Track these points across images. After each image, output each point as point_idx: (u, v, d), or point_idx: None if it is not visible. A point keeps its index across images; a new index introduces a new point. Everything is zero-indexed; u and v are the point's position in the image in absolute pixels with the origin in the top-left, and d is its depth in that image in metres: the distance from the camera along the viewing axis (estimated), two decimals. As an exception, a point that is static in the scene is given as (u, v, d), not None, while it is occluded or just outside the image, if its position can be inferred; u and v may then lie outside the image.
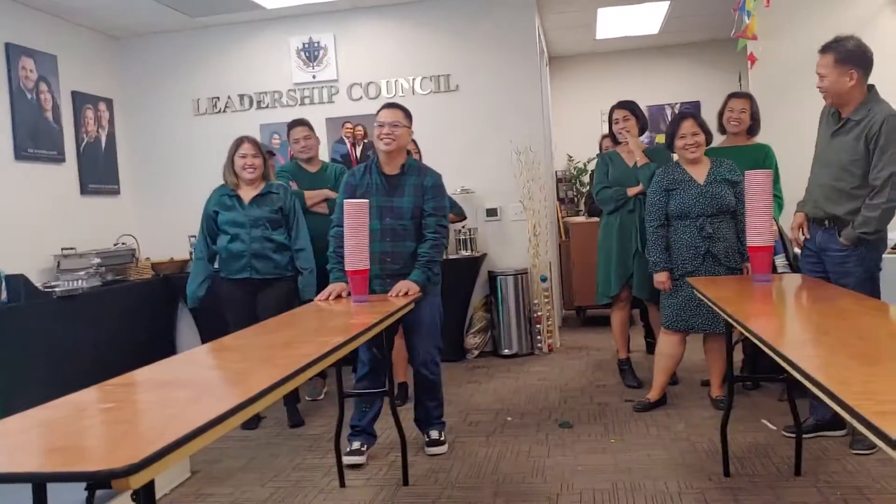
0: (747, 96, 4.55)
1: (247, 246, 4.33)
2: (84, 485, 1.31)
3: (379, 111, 3.74)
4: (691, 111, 4.40)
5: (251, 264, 4.34)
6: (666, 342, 4.25)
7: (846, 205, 3.37)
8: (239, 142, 4.40)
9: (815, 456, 3.40)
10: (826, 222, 3.45)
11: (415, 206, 3.71)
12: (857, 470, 3.21)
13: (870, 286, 3.35)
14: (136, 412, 1.67)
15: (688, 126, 4.11)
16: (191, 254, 6.16)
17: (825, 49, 3.39)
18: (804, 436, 3.50)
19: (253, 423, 4.47)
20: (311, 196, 4.93)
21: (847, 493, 3.00)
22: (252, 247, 4.32)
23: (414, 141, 4.96)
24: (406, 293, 3.49)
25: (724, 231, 4.04)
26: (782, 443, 3.57)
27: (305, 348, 2.25)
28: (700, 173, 4.11)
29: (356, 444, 3.75)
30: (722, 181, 4.06)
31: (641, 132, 4.79)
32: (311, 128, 5.09)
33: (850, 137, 3.36)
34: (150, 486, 1.40)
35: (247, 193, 4.37)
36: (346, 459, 3.64)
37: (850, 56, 3.33)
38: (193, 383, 1.91)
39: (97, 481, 1.22)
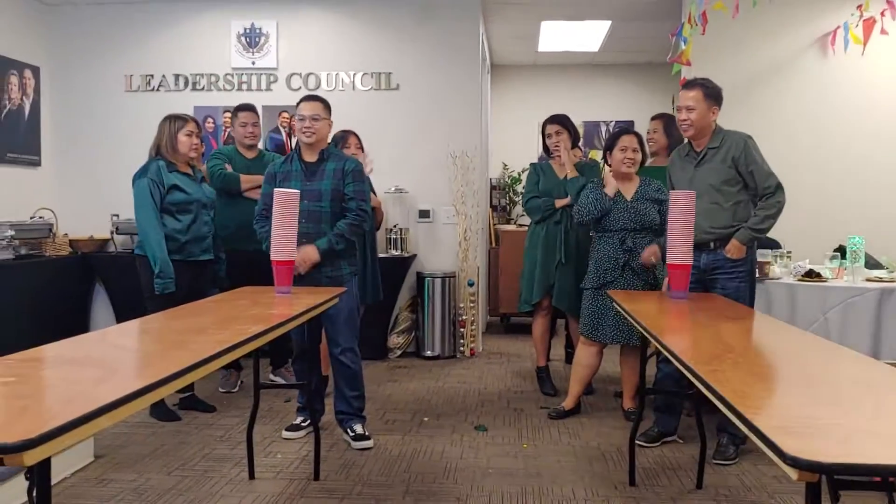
0: (661, 117, 4.81)
1: (210, 227, 4.39)
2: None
3: (299, 103, 3.87)
4: (633, 129, 4.54)
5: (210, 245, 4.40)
6: (583, 353, 4.34)
7: (726, 220, 3.65)
8: (184, 120, 4.30)
9: (717, 470, 3.52)
10: (711, 244, 3.69)
11: (334, 189, 3.80)
12: (755, 486, 3.34)
13: (752, 295, 3.78)
14: (39, 388, 1.61)
15: (629, 140, 4.24)
16: (112, 232, 6.01)
17: (693, 84, 3.70)
18: (650, 444, 3.85)
19: (172, 416, 4.33)
20: (248, 180, 4.87)
21: (743, 506, 3.12)
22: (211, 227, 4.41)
23: (356, 136, 4.94)
24: (304, 261, 3.64)
25: (644, 246, 4.14)
26: (687, 456, 3.69)
27: (221, 335, 2.21)
28: (629, 190, 4.22)
29: (298, 419, 4.01)
30: (648, 200, 4.19)
31: (573, 145, 4.88)
32: (257, 115, 5.05)
33: (715, 162, 3.67)
34: (45, 464, 1.36)
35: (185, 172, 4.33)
36: (284, 433, 3.97)
37: (714, 93, 3.67)
38: (102, 362, 1.86)
39: (-11, 455, 1.17)
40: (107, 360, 1.90)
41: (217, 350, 1.96)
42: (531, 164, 5.12)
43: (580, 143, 5.59)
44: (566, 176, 4.73)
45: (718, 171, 3.65)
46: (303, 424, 3.98)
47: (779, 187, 3.59)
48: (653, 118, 4.86)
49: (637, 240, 4.15)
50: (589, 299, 4.25)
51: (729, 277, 3.66)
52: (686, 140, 3.84)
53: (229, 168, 4.86)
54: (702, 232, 3.60)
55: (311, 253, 3.68)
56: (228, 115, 6.30)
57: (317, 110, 3.81)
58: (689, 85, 3.72)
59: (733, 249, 3.62)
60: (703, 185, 3.65)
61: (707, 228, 3.64)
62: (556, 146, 4.81)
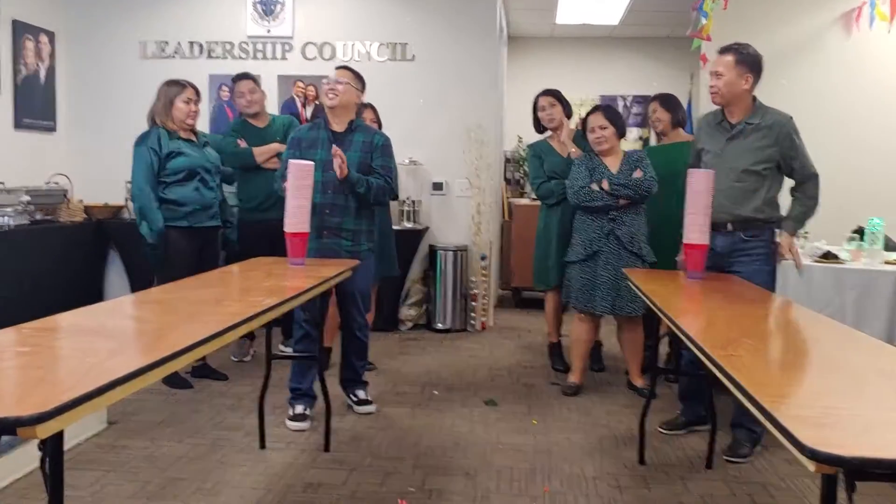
0: (657, 98, 4.76)
1: (216, 193, 4.40)
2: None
3: None
4: (602, 104, 4.54)
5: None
6: (579, 328, 4.40)
7: (749, 204, 3.46)
8: (182, 86, 4.28)
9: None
10: (728, 225, 3.49)
11: (360, 162, 3.74)
12: (765, 468, 3.33)
13: (773, 280, 3.55)
14: (54, 358, 1.61)
15: (595, 119, 4.28)
16: (126, 199, 6.01)
17: (726, 50, 3.48)
18: (677, 432, 3.71)
19: (184, 383, 4.34)
20: (261, 152, 4.85)
21: (753, 488, 3.12)
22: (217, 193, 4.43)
23: (374, 109, 4.91)
24: (343, 161, 3.55)
25: (629, 217, 4.22)
26: (696, 435, 3.68)
27: (235, 307, 2.21)
28: (613, 163, 4.26)
29: (299, 408, 3.74)
30: (630, 170, 4.22)
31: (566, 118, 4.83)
32: (256, 82, 5.00)
33: (752, 140, 3.44)
34: (58, 436, 1.36)
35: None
36: (291, 425, 3.67)
37: (749, 60, 3.43)
38: (115, 333, 1.86)
39: (2, 428, 1.17)
40: (121, 331, 1.91)
41: (231, 323, 1.96)
42: (528, 147, 5.03)
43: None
44: (569, 154, 4.66)
45: (754, 151, 3.42)
46: (307, 413, 3.74)
47: (818, 176, 3.46)
48: (650, 99, 4.80)
49: (621, 210, 4.20)
50: (577, 272, 4.29)
51: (748, 260, 3.47)
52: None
53: (242, 143, 4.83)
54: (723, 211, 3.44)
55: (345, 165, 3.59)
56: (226, 88, 6.25)
57: (344, 76, 3.78)
58: (723, 50, 3.49)
59: (786, 245, 3.47)
60: (734, 162, 3.45)
61: (730, 209, 3.45)
62: (551, 119, 4.75)
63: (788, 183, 3.54)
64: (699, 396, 3.63)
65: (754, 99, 3.49)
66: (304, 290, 2.72)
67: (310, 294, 2.83)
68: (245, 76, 4.98)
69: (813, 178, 3.46)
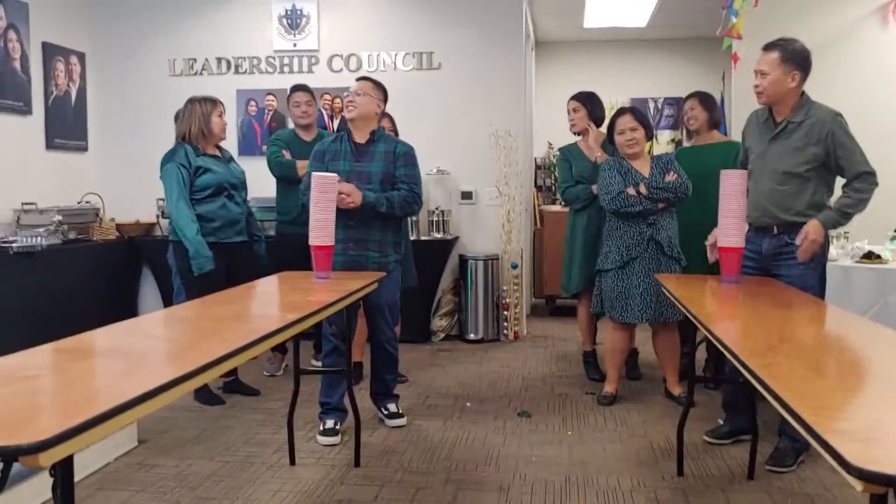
0: (695, 95, 4.60)
1: (242, 208, 4.41)
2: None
3: None
4: (630, 106, 4.42)
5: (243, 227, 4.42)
6: (614, 337, 4.30)
7: (793, 208, 3.30)
8: (213, 102, 4.30)
9: (770, 461, 3.39)
10: (774, 228, 3.36)
11: (384, 172, 3.71)
12: (810, 477, 3.20)
13: (822, 283, 3.37)
14: (63, 382, 1.58)
15: (625, 121, 4.15)
16: (158, 217, 6.04)
17: (770, 47, 3.31)
18: (722, 442, 3.58)
19: (216, 399, 4.33)
20: (303, 165, 4.83)
21: (798, 500, 2.99)
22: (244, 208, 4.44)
23: (391, 118, 4.88)
24: (350, 192, 3.53)
25: (665, 221, 4.13)
26: (738, 445, 3.55)
27: (256, 323, 2.17)
28: (643, 167, 4.15)
29: (330, 423, 3.70)
30: (663, 172, 4.11)
31: (597, 124, 4.71)
32: (313, 95, 5.01)
33: (794, 139, 3.29)
34: (68, 462, 1.32)
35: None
36: (322, 440, 3.63)
37: (796, 56, 3.27)
38: (130, 353, 1.82)
39: (3, 457, 1.13)
40: (136, 350, 1.87)
41: (249, 340, 1.91)
42: (559, 150, 4.96)
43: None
44: (596, 160, 4.57)
45: (797, 152, 3.26)
46: (337, 428, 3.69)
47: (873, 174, 3.22)
48: (688, 96, 4.63)
49: (658, 214, 4.10)
50: (612, 280, 4.17)
51: (794, 263, 3.29)
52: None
53: (287, 154, 4.83)
54: (766, 215, 3.33)
55: (357, 192, 3.56)
56: (272, 98, 6.31)
57: (363, 87, 3.75)
58: (767, 46, 3.33)
59: (813, 232, 3.19)
60: (776, 164, 3.32)
61: (773, 213, 3.32)
62: (573, 123, 4.70)
63: (840, 182, 3.36)
64: (743, 405, 3.43)
65: (802, 94, 3.35)
66: (328, 303, 2.67)
67: (333, 308, 2.78)
68: (303, 87, 5.00)
69: (864, 175, 3.23)
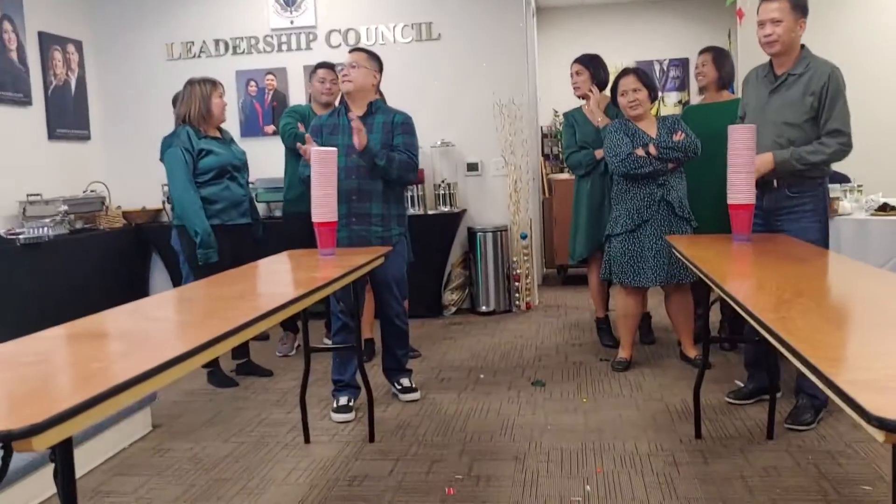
0: (709, 50, 4.48)
1: (245, 190, 4.36)
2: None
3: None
4: (633, 67, 4.30)
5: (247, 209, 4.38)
6: (626, 302, 4.24)
7: None
8: (213, 83, 4.24)
9: (789, 419, 3.34)
10: (774, 182, 3.30)
11: (383, 143, 3.67)
12: (830, 434, 3.16)
13: (825, 236, 3.32)
14: (60, 366, 1.55)
15: (628, 82, 4.08)
16: (164, 202, 6.02)
17: None
18: (745, 402, 3.54)
19: (229, 382, 4.32)
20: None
21: (819, 457, 2.95)
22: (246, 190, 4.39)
23: (380, 92, 4.80)
24: (360, 128, 3.50)
25: (675, 182, 4.07)
26: (756, 405, 3.51)
27: (259, 301, 2.14)
28: (650, 128, 4.08)
29: (343, 400, 3.68)
30: (670, 132, 4.04)
31: (601, 87, 4.62)
32: (336, 73, 4.94)
33: (793, 92, 3.23)
34: (67, 446, 1.29)
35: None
36: (336, 417, 3.62)
37: (803, 3, 3.20)
38: (129, 336, 1.79)
39: (-6, 442, 1.10)
40: (136, 333, 1.84)
41: (251, 318, 1.88)
42: (564, 115, 4.87)
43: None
44: (598, 124, 4.47)
45: (795, 105, 3.22)
46: (350, 404, 3.68)
47: (849, 138, 3.17)
48: (701, 51, 4.50)
49: (668, 174, 4.03)
50: (622, 244, 4.11)
51: (795, 217, 3.28)
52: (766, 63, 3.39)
53: (302, 127, 4.79)
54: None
55: (365, 135, 3.53)
56: (271, 77, 6.24)
57: (357, 59, 3.70)
58: None
59: (759, 163, 3.17)
60: (775, 117, 3.26)
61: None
62: (577, 87, 4.62)
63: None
64: (765, 364, 3.39)
65: (803, 46, 3.27)
66: (332, 278, 2.63)
67: (339, 283, 2.74)
68: (329, 65, 4.92)
69: (835, 132, 3.17)
